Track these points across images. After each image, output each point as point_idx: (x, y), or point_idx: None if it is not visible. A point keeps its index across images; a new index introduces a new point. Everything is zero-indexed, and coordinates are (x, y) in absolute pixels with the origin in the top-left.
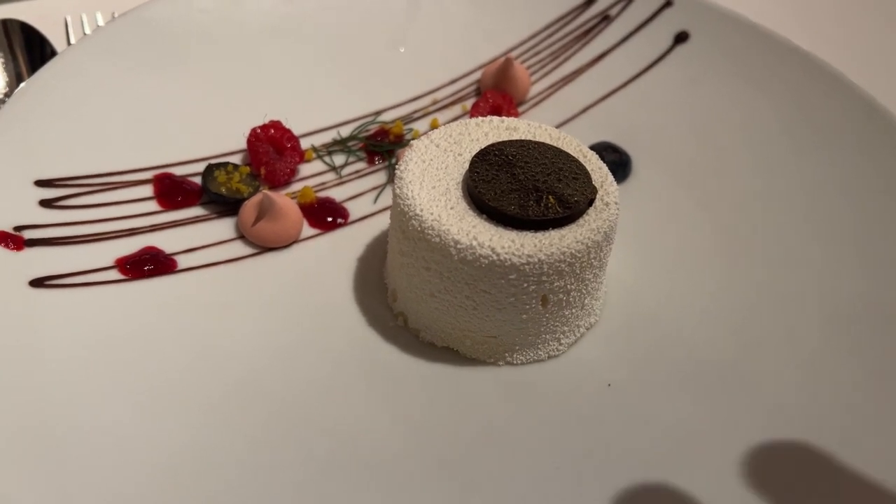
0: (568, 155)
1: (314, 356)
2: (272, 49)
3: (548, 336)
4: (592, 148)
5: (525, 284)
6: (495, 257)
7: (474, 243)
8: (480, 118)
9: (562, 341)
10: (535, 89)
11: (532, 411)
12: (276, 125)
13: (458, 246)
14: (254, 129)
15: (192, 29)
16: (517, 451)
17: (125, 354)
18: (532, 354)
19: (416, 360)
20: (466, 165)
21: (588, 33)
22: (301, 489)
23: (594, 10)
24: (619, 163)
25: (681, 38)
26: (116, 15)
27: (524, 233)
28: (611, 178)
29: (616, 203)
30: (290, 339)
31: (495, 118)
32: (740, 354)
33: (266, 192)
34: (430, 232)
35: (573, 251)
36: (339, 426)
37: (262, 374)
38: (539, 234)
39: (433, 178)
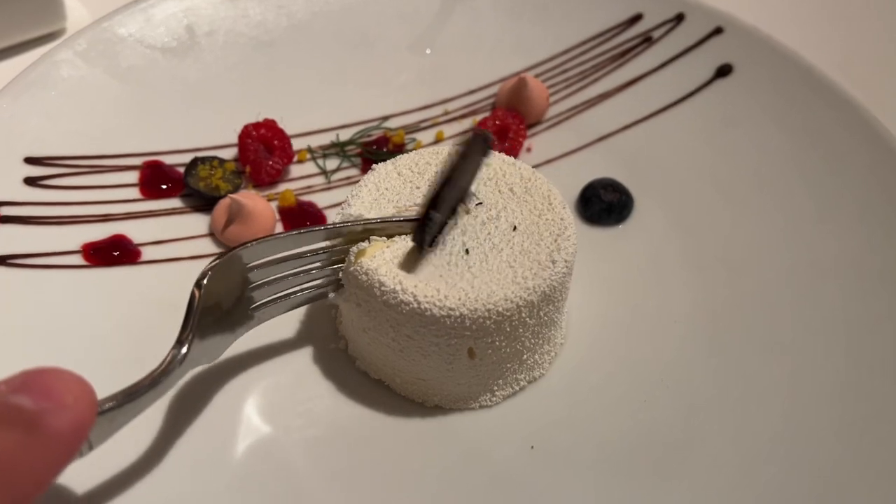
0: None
1: (247, 361)
2: (287, 46)
3: (479, 387)
4: (592, 184)
5: (446, 336)
6: (416, 305)
7: (398, 288)
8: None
9: (496, 393)
10: (554, 109)
11: (445, 457)
12: (269, 124)
13: (383, 288)
14: (246, 126)
15: (202, 21)
16: (414, 492)
17: (70, 340)
18: (462, 402)
19: (346, 387)
20: (421, 201)
21: (624, 55)
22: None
23: (637, 29)
24: (617, 203)
25: (723, 71)
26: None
27: (457, 280)
28: (568, 232)
29: (566, 261)
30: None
31: None
32: (682, 445)
33: (234, 196)
34: (358, 268)
35: (500, 309)
36: (236, 427)
37: (200, 377)
38: (473, 285)
39: (382, 210)
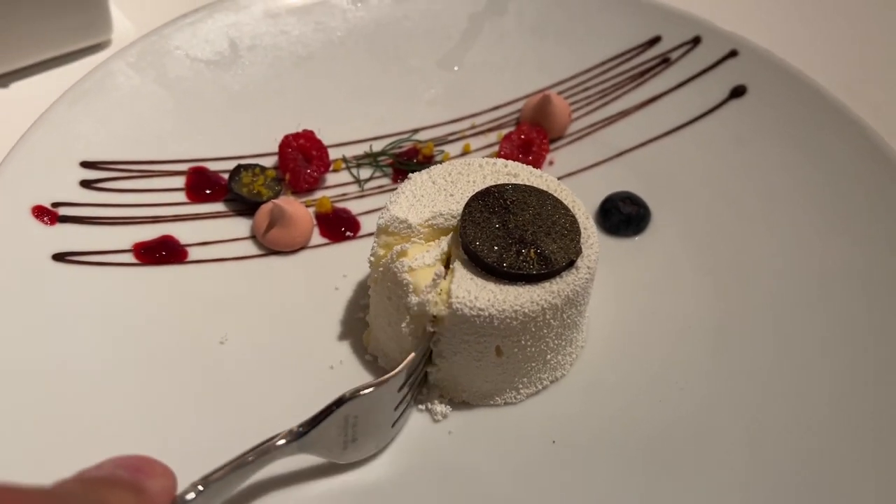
0: (567, 209)
1: (286, 356)
2: (325, 60)
3: (505, 385)
4: (611, 197)
5: (475, 335)
6: (444, 304)
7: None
8: (485, 159)
9: (520, 391)
10: (575, 126)
11: (472, 449)
12: (307, 135)
13: (419, 286)
14: (286, 136)
15: (245, 36)
16: (441, 484)
17: (120, 332)
18: (488, 399)
19: (370, 372)
20: (455, 206)
21: (643, 74)
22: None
23: (656, 50)
24: (635, 216)
25: (737, 91)
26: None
27: (489, 283)
28: (592, 240)
29: (588, 268)
30: (271, 340)
31: (499, 161)
32: (699, 441)
33: (276, 201)
34: (397, 266)
35: (526, 311)
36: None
37: (238, 370)
38: (502, 287)
39: (418, 214)
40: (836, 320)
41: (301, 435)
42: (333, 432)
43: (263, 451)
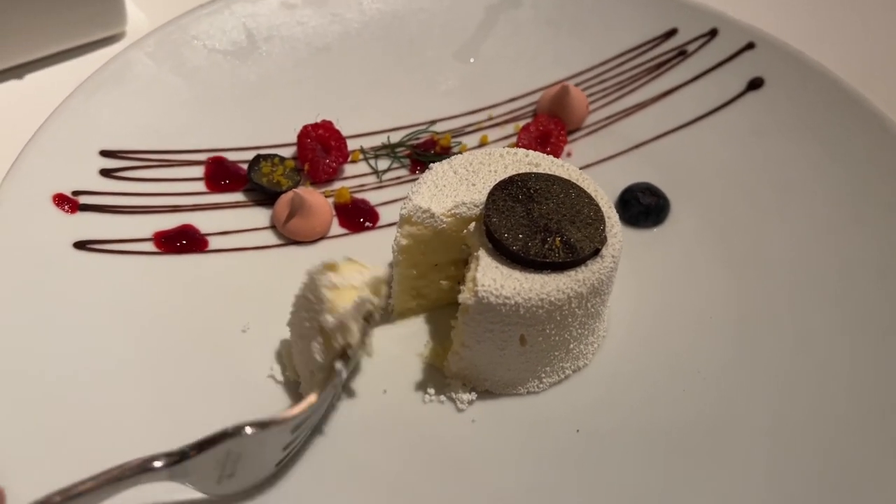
0: (591, 198)
1: None
2: (342, 51)
3: (527, 374)
4: (631, 188)
5: (500, 324)
6: (474, 293)
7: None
8: (506, 149)
9: (543, 380)
10: (592, 118)
11: (497, 437)
12: (326, 125)
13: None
14: (305, 126)
15: (261, 27)
16: (464, 472)
17: (140, 320)
18: (511, 388)
19: (397, 369)
20: (477, 196)
21: (660, 67)
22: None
23: (672, 43)
24: (654, 207)
25: (755, 84)
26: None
27: (514, 271)
28: (616, 229)
29: (613, 257)
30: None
31: (520, 151)
32: (721, 430)
33: (297, 190)
34: (320, 278)
35: (552, 299)
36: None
37: (261, 359)
38: (528, 275)
39: (441, 203)
40: (855, 311)
41: (173, 464)
42: (210, 465)
43: (127, 474)
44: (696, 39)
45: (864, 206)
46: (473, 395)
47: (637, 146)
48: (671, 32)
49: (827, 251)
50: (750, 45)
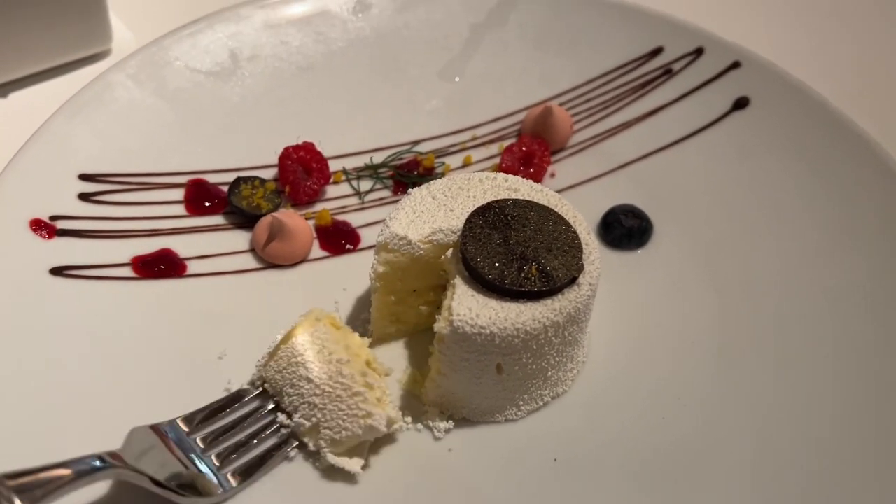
0: (568, 225)
1: None
2: (325, 71)
3: (505, 401)
4: (614, 210)
5: (476, 353)
6: (449, 322)
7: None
8: (485, 174)
9: (521, 408)
10: (577, 137)
11: (472, 467)
12: (307, 147)
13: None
14: (286, 148)
15: (245, 47)
16: (441, 502)
17: (118, 346)
18: (488, 415)
19: None
20: (455, 222)
21: (645, 86)
22: None
23: (658, 61)
24: (637, 229)
25: (740, 103)
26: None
27: (491, 299)
28: (593, 256)
29: (590, 285)
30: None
31: (500, 176)
32: (702, 457)
33: (275, 214)
34: None
35: (528, 329)
36: None
37: (236, 386)
38: (504, 304)
39: (419, 230)
40: (840, 334)
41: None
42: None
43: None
44: (681, 58)
45: (849, 226)
46: (451, 424)
47: (621, 166)
48: (657, 51)
49: (811, 274)
50: (736, 65)
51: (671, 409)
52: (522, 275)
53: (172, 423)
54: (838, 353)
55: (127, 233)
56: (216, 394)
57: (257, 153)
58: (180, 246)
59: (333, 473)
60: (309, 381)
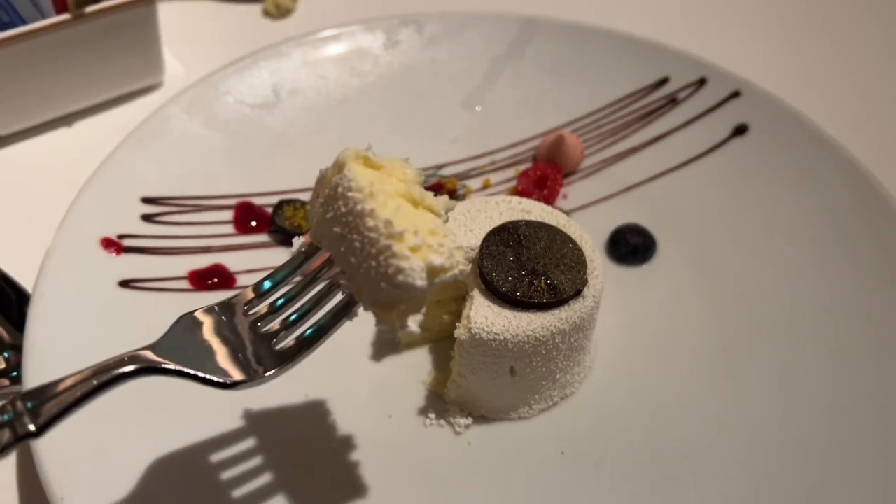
0: (575, 243)
1: (330, 375)
2: (357, 103)
3: (518, 401)
4: (620, 228)
5: (492, 357)
6: (468, 329)
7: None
8: (501, 197)
9: (533, 406)
10: (587, 161)
11: (489, 458)
12: None
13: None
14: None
15: (286, 82)
16: (459, 492)
17: None
18: (503, 413)
19: (400, 396)
20: (474, 241)
21: (651, 113)
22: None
23: (663, 91)
24: (641, 246)
25: (740, 130)
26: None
27: (504, 309)
28: (598, 272)
29: (594, 297)
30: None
31: (514, 199)
32: (695, 457)
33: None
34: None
35: (538, 335)
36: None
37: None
38: (516, 314)
39: None
40: (839, 350)
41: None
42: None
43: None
44: (685, 87)
45: (842, 247)
46: (470, 420)
47: (629, 188)
48: (663, 81)
49: (805, 288)
50: (736, 94)
51: (672, 409)
52: (533, 288)
53: (227, 302)
54: (836, 367)
55: (183, 250)
56: (259, 394)
57: (298, 178)
58: (230, 261)
59: (363, 464)
60: (343, 238)
